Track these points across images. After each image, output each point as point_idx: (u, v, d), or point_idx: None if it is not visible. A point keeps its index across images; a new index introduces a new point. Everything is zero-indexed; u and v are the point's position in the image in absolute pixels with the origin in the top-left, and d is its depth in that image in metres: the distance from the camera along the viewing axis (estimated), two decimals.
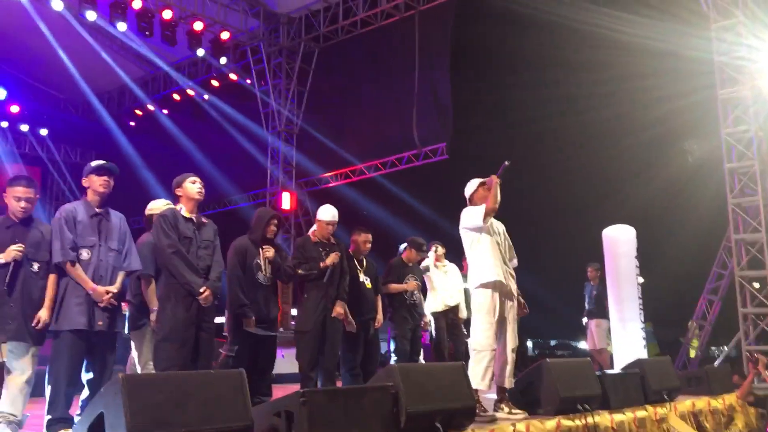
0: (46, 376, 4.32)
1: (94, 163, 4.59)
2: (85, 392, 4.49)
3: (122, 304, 4.71)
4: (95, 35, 14.67)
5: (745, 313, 9.26)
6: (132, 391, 2.92)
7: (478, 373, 4.90)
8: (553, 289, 16.01)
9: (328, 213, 5.98)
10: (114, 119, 17.82)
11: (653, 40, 11.19)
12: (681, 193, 14.84)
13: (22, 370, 4.29)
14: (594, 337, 9.63)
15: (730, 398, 6.81)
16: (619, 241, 8.21)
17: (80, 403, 4.54)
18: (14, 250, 4.28)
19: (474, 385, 4.63)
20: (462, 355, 6.65)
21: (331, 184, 15.58)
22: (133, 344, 5.20)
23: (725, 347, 11.15)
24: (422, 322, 7.05)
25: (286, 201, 15.03)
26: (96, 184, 4.53)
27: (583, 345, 12.16)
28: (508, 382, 5.10)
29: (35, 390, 4.41)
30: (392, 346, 6.88)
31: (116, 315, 4.51)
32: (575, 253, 13.04)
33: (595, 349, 9.61)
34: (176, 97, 16.77)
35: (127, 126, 17.91)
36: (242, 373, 3.33)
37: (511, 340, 5.13)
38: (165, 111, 17.15)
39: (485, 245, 5.14)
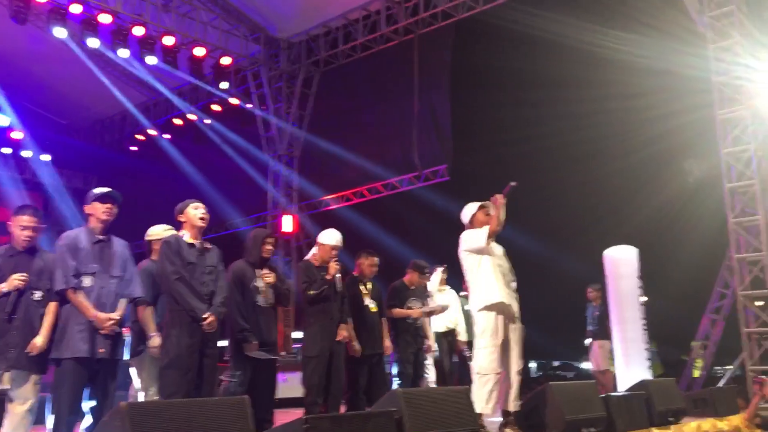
0: (48, 404, 4.31)
1: (97, 191, 4.60)
2: (87, 420, 4.47)
3: (123, 329, 4.71)
4: (97, 61, 14.78)
5: (748, 333, 9.22)
6: (135, 419, 2.92)
7: (482, 397, 4.88)
8: (556, 310, 15.98)
9: (332, 238, 5.93)
10: (116, 144, 17.90)
11: (651, 59, 11.28)
12: (681, 213, 14.85)
13: (24, 398, 4.28)
14: (597, 358, 9.59)
15: (736, 419, 6.75)
16: (621, 261, 8.21)
17: None
18: (16, 279, 4.30)
19: (478, 410, 4.62)
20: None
21: (332, 207, 15.60)
22: (133, 371, 5.18)
23: (730, 367, 11.06)
24: (426, 345, 7.02)
25: (287, 224, 15.04)
26: (99, 212, 4.53)
27: (585, 365, 12.10)
28: (513, 405, 5.08)
29: (37, 418, 4.40)
30: (395, 370, 6.85)
31: (118, 342, 4.51)
32: (576, 273, 13.02)
33: (599, 371, 9.57)
34: (178, 121, 16.83)
35: (129, 151, 17.98)
36: (246, 400, 3.33)
37: (516, 363, 5.12)
38: (167, 136, 17.23)
39: (487, 267, 5.14)
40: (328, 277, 5.75)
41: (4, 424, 4.26)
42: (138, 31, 12.67)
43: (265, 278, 5.27)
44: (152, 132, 17.33)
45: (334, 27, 14.42)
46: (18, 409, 4.26)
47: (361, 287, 6.33)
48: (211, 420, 3.14)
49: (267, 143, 15.54)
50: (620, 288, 8.16)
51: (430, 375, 7.27)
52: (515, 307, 5.19)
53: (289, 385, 9.17)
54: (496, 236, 5.14)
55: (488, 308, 5.06)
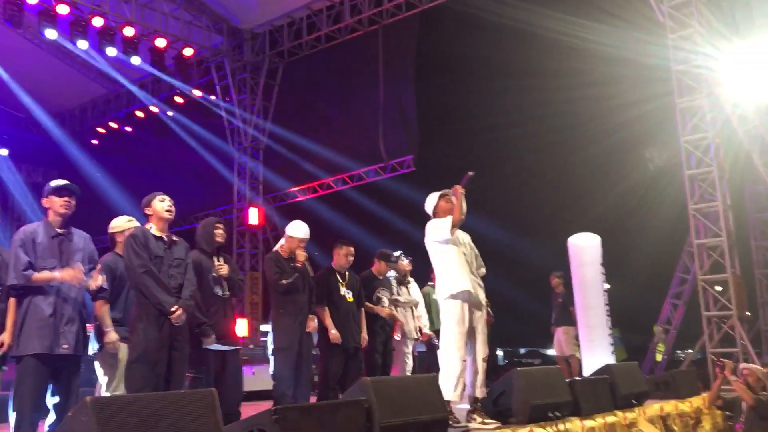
0: (10, 402, 4.23)
1: (54, 183, 4.51)
2: (51, 417, 4.40)
3: (87, 325, 4.64)
4: (56, 53, 14.47)
5: (708, 317, 9.43)
6: (101, 414, 2.88)
7: (450, 385, 4.92)
8: (521, 297, 16.13)
9: (300, 230, 5.93)
10: (76, 138, 17.57)
11: (614, 48, 11.39)
12: (642, 200, 15.07)
13: None
14: (562, 344, 9.72)
15: (697, 401, 6.93)
16: (585, 248, 8.32)
17: (46, 429, 4.45)
18: None
19: (446, 397, 4.65)
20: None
21: (298, 199, 15.55)
22: (97, 365, 5.11)
23: (690, 350, 11.31)
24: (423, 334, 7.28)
25: (253, 216, 14.95)
26: (57, 205, 4.45)
27: (551, 352, 12.26)
28: (480, 392, 5.13)
29: (0, 417, 4.32)
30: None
31: (80, 337, 4.44)
32: (541, 260, 13.18)
33: (563, 356, 9.71)
34: (140, 114, 16.59)
35: (90, 144, 17.66)
36: (213, 392, 3.31)
37: (482, 350, 5.17)
38: (128, 128, 16.96)
39: (452, 256, 5.18)
40: (297, 264, 5.77)
41: None
42: (97, 21, 12.44)
43: (219, 271, 5.21)
44: (114, 125, 17.05)
45: (297, 17, 14.31)
46: None
47: (338, 276, 6.33)
48: (178, 414, 3.11)
49: (232, 135, 15.40)
50: (584, 275, 8.27)
51: (409, 363, 7.33)
52: (482, 295, 5.24)
53: (257, 378, 9.15)
54: (460, 225, 5.17)
55: (454, 296, 5.10)
